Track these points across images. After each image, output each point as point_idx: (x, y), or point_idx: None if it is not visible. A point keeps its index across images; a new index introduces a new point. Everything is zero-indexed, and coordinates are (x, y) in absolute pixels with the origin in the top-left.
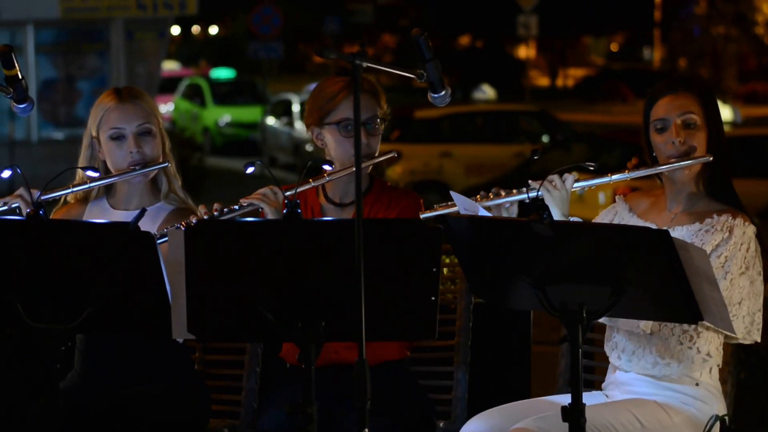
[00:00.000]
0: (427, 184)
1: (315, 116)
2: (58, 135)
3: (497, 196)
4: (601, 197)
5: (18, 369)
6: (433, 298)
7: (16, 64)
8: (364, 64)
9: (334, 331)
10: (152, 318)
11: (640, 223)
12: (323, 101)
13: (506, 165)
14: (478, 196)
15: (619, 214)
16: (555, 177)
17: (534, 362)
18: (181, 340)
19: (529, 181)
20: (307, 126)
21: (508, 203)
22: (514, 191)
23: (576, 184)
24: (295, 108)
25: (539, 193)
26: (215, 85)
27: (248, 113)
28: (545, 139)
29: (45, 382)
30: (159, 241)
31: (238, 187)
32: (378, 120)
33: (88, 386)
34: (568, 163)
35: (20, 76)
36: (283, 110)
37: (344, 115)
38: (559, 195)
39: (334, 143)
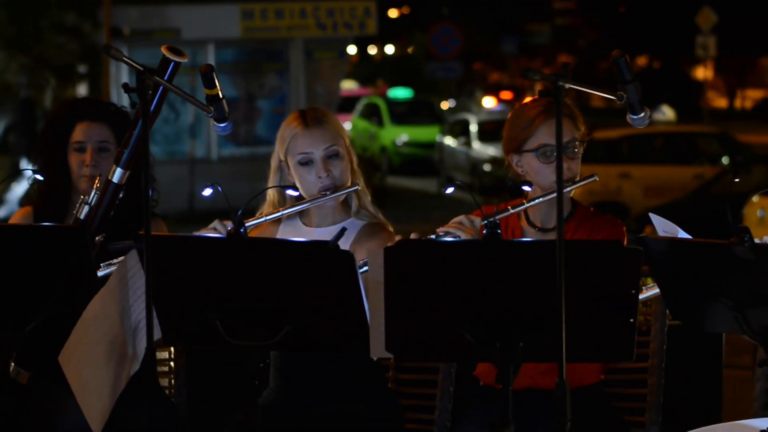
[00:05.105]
0: (605, 205)
1: (513, 143)
2: (238, 153)
3: None
4: None
5: (216, 385)
6: (631, 320)
7: (218, 84)
8: (567, 86)
9: (533, 352)
10: (350, 336)
11: None
12: (521, 128)
13: (686, 187)
14: None
15: None
16: None
17: (725, 386)
18: (376, 359)
19: None
20: (506, 153)
21: None
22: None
23: None
24: (473, 128)
25: None
26: (393, 104)
27: (425, 133)
28: (725, 161)
29: (244, 399)
30: (361, 270)
31: (418, 208)
32: (577, 143)
33: (283, 404)
34: (749, 186)
35: (221, 96)
36: (460, 130)
37: (543, 141)
38: None
39: (534, 170)
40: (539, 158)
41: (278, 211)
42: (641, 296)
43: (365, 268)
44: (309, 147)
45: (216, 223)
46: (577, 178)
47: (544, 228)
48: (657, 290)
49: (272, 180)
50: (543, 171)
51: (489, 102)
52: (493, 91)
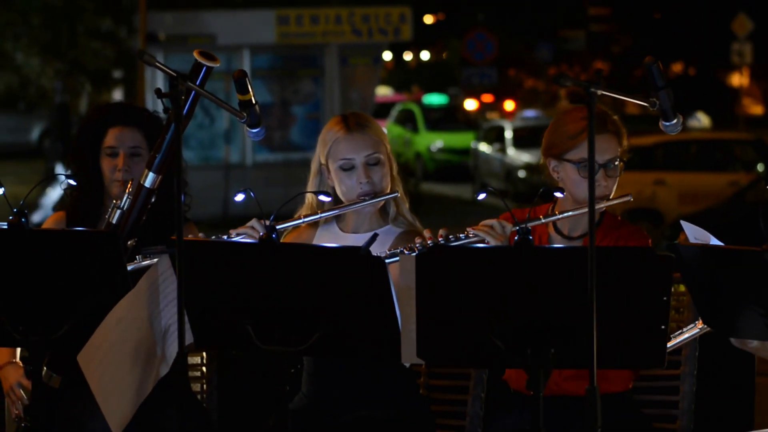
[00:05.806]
0: (640, 212)
1: (555, 150)
2: (272, 159)
3: None
4: None
5: (247, 390)
6: (663, 327)
7: (250, 89)
8: (599, 92)
9: (564, 359)
10: (382, 342)
11: None
12: (565, 136)
13: (721, 194)
14: None
15: None
16: None
17: (757, 393)
18: (407, 365)
19: None
20: (545, 156)
21: None
22: None
23: None
24: (507, 134)
25: None
26: (427, 110)
27: (460, 139)
28: (760, 168)
29: (274, 404)
30: (389, 261)
31: (453, 214)
32: (617, 161)
33: (315, 409)
34: None
35: (254, 101)
36: (495, 136)
37: (585, 155)
38: None
39: (571, 181)
40: (579, 171)
41: (314, 214)
42: (672, 343)
43: (396, 258)
44: (351, 153)
45: (254, 222)
46: (612, 195)
47: (570, 236)
48: (693, 333)
49: (311, 183)
50: (581, 184)
51: (471, 104)
52: (475, 94)
